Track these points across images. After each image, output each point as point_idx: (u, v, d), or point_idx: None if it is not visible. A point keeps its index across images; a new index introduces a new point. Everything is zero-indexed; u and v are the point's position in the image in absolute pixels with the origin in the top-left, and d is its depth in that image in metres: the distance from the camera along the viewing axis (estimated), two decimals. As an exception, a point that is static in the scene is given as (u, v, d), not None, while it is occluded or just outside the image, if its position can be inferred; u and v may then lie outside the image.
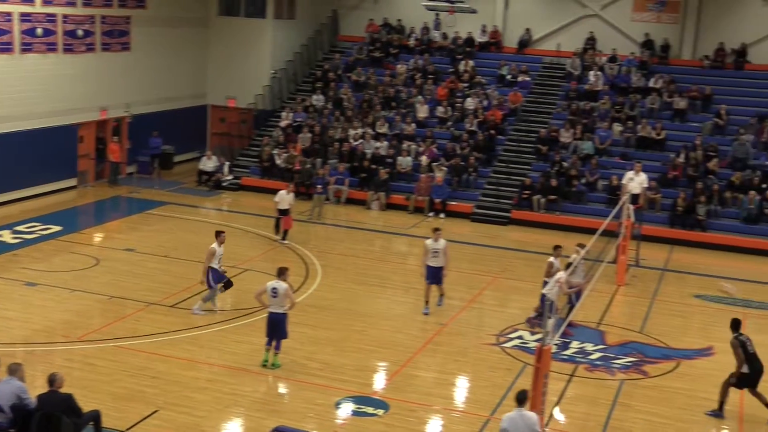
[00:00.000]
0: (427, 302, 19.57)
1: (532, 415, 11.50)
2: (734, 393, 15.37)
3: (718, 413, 15.22)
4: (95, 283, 20.36)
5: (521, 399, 11.55)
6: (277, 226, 25.18)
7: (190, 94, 36.32)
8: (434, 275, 19.41)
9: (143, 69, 33.05)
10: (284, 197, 24.89)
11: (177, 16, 34.81)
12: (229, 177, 32.33)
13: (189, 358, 16.34)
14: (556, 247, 19.24)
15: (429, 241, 19.47)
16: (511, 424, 11.34)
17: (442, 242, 19.43)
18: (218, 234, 18.79)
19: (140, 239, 24.74)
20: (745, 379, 15.10)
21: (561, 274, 17.78)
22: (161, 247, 23.85)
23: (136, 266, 21.99)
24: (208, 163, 32.39)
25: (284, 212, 24.90)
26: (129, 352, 16.40)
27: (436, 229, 19.73)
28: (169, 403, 14.37)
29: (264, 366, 16.05)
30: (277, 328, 15.96)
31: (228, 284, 19.09)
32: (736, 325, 15.35)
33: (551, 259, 19.14)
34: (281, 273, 16.05)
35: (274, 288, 15.86)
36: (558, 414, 14.99)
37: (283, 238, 24.90)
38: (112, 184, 31.24)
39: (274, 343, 16.03)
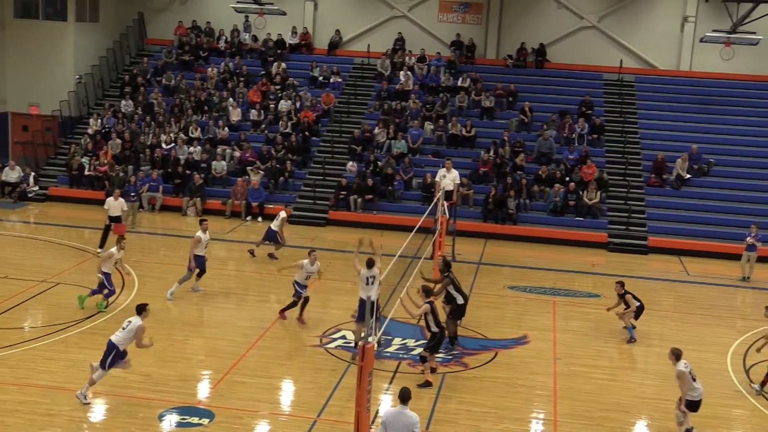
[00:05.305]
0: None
1: (413, 415, 11.45)
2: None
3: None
4: None
5: (404, 397, 11.54)
6: (105, 236, 24.29)
7: (-13, 101, 34.50)
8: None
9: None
10: (113, 204, 24.41)
11: (-31, 19, 32.95)
12: (35, 188, 30.96)
13: (-2, 380, 15.50)
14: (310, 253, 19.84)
15: (199, 233, 20.99)
16: (391, 418, 11.42)
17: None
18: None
19: (-61, 257, 23.29)
20: (458, 309, 18.04)
21: None
22: (-38, 264, 22.55)
23: (-65, 286, 20.67)
24: (11, 174, 30.92)
25: (115, 219, 24.43)
26: (-69, 378, 15.39)
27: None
28: (-21, 429, 13.59)
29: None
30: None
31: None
32: (447, 264, 18.40)
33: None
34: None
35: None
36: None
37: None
38: None
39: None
